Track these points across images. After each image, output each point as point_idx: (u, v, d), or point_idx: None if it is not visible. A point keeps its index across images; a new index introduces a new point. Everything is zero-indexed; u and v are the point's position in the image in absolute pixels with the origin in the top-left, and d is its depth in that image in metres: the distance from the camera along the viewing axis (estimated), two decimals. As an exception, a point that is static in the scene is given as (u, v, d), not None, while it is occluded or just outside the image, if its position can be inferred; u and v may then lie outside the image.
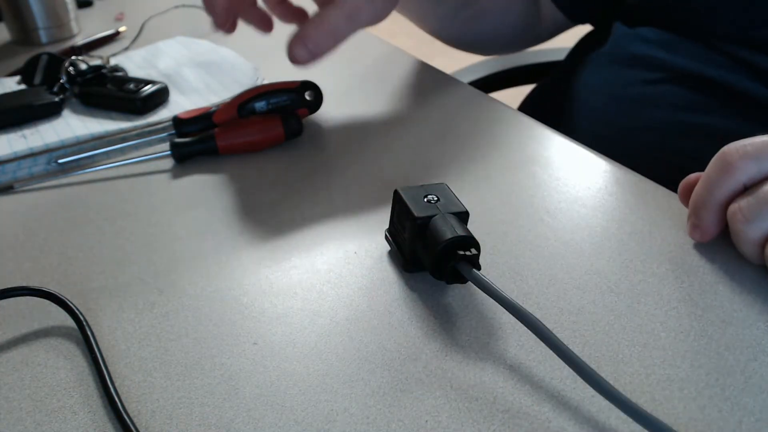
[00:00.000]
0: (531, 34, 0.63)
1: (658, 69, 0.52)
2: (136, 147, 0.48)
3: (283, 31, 0.72)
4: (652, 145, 0.51)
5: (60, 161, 0.45)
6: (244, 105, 0.46)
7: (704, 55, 0.50)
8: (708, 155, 0.34)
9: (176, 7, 0.79)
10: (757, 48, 0.47)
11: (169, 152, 0.45)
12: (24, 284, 0.33)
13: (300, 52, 0.43)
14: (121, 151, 0.47)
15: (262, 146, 0.46)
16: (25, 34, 0.71)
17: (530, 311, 0.28)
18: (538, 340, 0.27)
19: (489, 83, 0.84)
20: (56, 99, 0.51)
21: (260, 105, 0.46)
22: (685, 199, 0.36)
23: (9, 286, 0.32)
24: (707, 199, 0.34)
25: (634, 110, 0.53)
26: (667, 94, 0.51)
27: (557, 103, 0.61)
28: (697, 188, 0.34)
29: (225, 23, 0.48)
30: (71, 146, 0.47)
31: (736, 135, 0.34)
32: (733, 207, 0.32)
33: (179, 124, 0.46)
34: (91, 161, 0.46)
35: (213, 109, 0.47)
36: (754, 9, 0.48)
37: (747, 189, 0.32)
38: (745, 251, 0.33)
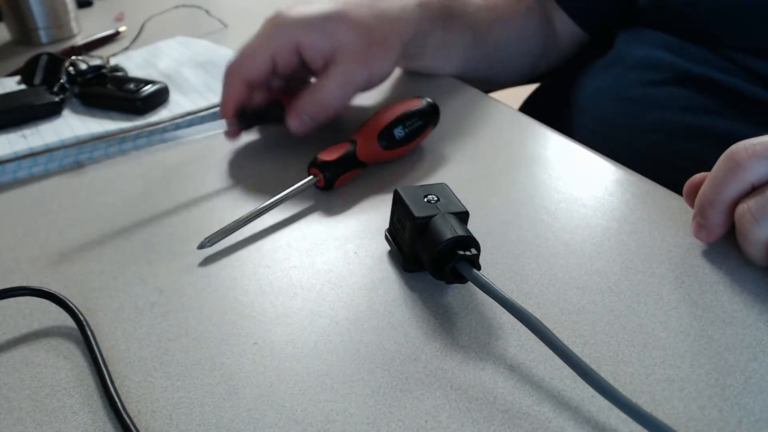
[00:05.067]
0: (551, 55, 0.63)
1: (662, 70, 0.52)
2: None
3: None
4: (656, 147, 0.51)
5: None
6: (383, 134, 0.43)
7: (709, 58, 0.50)
8: (712, 157, 0.34)
9: (176, 7, 0.79)
10: (762, 56, 0.47)
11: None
12: (24, 284, 0.33)
13: (295, 123, 0.45)
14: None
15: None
16: (25, 34, 0.71)
17: (530, 311, 0.28)
18: (538, 340, 0.27)
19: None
20: (56, 99, 0.51)
21: (398, 132, 0.43)
22: (690, 199, 0.36)
23: (9, 286, 0.32)
24: (714, 199, 0.33)
25: (638, 112, 0.53)
26: (671, 95, 0.51)
27: (559, 104, 0.61)
28: (703, 187, 0.34)
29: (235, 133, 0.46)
30: (71, 146, 0.47)
31: (740, 137, 0.33)
32: (742, 207, 0.32)
33: (324, 166, 0.41)
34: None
35: (351, 147, 0.42)
36: (760, 17, 0.47)
37: (755, 189, 0.32)
38: (751, 252, 0.33)
